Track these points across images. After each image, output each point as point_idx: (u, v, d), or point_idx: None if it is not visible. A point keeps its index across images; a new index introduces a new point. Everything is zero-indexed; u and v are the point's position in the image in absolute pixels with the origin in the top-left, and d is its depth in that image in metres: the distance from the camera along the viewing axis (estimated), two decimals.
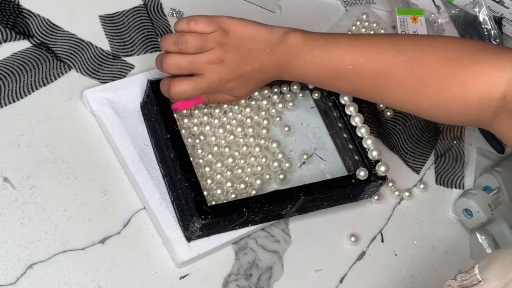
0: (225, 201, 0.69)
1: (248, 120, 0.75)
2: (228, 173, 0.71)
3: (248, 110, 0.75)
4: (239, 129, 0.74)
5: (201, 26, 0.66)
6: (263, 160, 0.74)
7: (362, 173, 0.72)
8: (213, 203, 0.68)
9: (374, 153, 0.72)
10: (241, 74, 0.67)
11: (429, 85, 0.63)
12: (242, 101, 0.76)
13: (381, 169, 0.71)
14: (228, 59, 0.66)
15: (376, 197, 0.78)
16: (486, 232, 0.80)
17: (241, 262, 0.70)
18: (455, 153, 0.86)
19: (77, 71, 0.75)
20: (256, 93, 0.76)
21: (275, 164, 0.74)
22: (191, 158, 0.67)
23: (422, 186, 0.82)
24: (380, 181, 0.73)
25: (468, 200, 0.80)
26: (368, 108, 0.83)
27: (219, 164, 0.71)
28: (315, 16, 0.92)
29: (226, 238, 0.68)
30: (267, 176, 0.73)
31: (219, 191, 0.69)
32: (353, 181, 0.72)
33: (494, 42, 0.93)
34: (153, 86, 0.69)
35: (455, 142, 0.87)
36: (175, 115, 0.69)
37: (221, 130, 0.73)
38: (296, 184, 0.69)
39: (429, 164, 0.85)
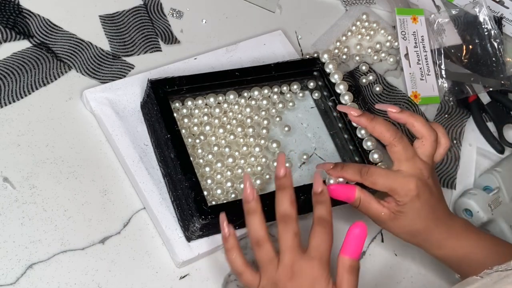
0: (225, 201, 0.69)
1: (248, 120, 0.75)
2: (228, 173, 0.71)
3: (248, 110, 0.75)
4: (239, 129, 0.74)
5: None
6: (263, 160, 0.74)
7: None
8: (213, 203, 0.68)
9: (375, 156, 0.72)
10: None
11: None
12: (242, 101, 0.76)
13: None
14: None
15: None
16: (486, 232, 0.80)
17: None
18: (452, 154, 0.86)
19: (77, 71, 0.75)
20: (256, 93, 0.76)
21: (275, 164, 0.73)
22: (191, 158, 0.67)
23: None
24: None
25: (468, 200, 0.80)
26: (363, 107, 0.83)
27: (219, 164, 0.71)
28: (315, 16, 0.92)
29: None
30: (267, 176, 0.73)
31: (219, 191, 0.69)
32: None
33: (495, 42, 0.93)
34: (153, 86, 0.69)
35: (454, 141, 0.87)
36: (175, 114, 0.69)
37: (221, 130, 0.73)
38: (296, 184, 0.69)
39: None
